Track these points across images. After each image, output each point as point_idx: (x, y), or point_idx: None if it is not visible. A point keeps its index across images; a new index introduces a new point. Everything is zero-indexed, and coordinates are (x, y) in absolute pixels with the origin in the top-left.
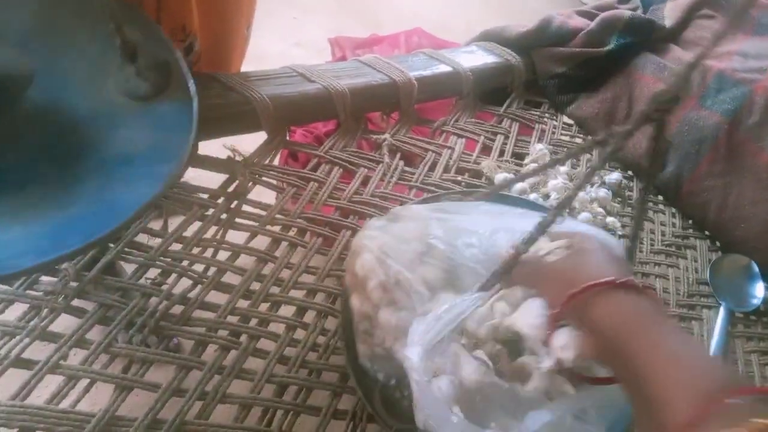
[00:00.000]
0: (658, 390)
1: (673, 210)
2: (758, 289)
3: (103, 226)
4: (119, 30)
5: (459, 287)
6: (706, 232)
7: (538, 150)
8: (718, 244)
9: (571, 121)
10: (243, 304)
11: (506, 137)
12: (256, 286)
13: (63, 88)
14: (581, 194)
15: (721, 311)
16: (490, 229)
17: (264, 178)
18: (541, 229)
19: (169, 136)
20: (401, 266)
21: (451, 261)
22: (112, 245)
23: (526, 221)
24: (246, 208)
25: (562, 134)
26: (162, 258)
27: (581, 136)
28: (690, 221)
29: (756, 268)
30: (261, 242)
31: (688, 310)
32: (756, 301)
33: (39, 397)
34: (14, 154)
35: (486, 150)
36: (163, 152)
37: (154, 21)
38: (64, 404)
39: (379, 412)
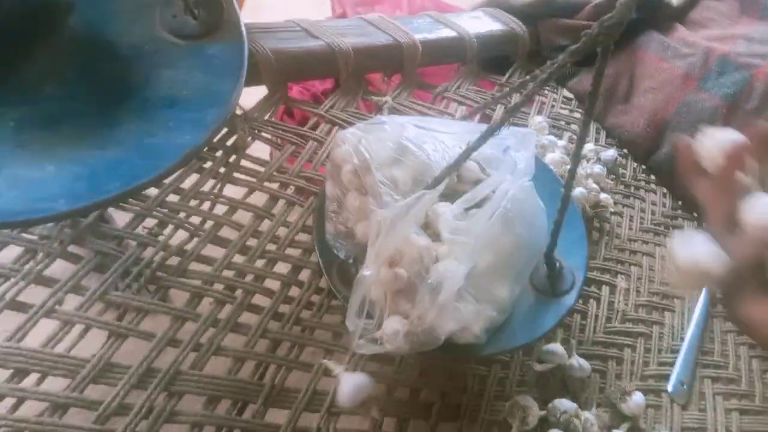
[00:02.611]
0: None
1: (664, 190)
2: None
3: (144, 173)
4: None
5: (422, 185)
6: (695, 214)
7: (537, 122)
8: (705, 226)
9: (571, 96)
10: (239, 259)
11: (505, 108)
12: (252, 242)
13: (106, 20)
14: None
15: (704, 291)
16: (460, 138)
17: (263, 134)
18: (485, 137)
19: (216, 80)
20: (374, 158)
21: (421, 164)
22: None
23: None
24: (244, 163)
25: (561, 108)
26: (159, 209)
27: (580, 110)
28: (680, 202)
29: None
30: (258, 198)
31: (672, 288)
32: None
33: (33, 340)
34: (52, 87)
35: (485, 119)
36: (209, 97)
37: None
38: (59, 348)
39: (334, 282)
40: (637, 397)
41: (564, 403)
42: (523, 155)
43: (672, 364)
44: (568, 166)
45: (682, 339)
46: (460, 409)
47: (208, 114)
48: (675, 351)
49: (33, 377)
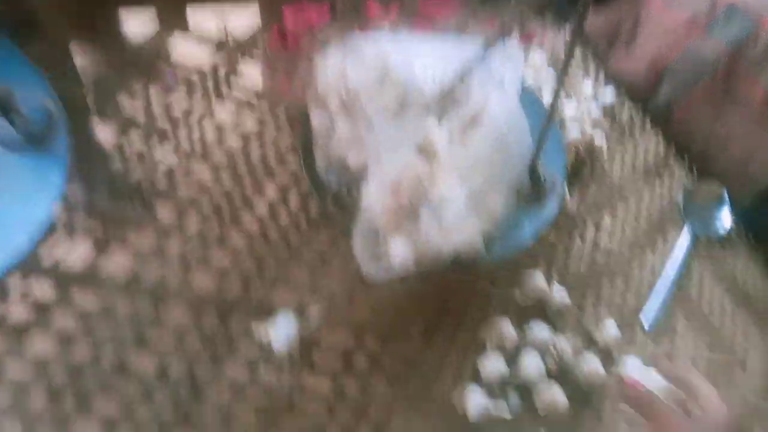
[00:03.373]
0: None
1: (658, 134)
2: (725, 217)
3: None
4: None
5: (409, 109)
6: (686, 159)
7: (536, 57)
8: (695, 171)
9: None
10: (228, 181)
11: (498, 29)
12: (241, 163)
13: None
14: (573, 106)
15: (687, 234)
16: (444, 60)
17: (255, 59)
18: (467, 69)
19: (26, 198)
20: (361, 85)
21: (406, 86)
22: (93, 106)
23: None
24: (235, 84)
25: (562, 48)
26: (146, 123)
27: (582, 49)
28: (673, 147)
29: (727, 198)
30: (249, 121)
31: (657, 230)
32: (721, 228)
33: None
34: None
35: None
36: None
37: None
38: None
39: (331, 211)
40: (610, 326)
41: (541, 330)
42: (509, 72)
43: (649, 300)
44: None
45: (661, 277)
46: (440, 329)
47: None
48: (653, 288)
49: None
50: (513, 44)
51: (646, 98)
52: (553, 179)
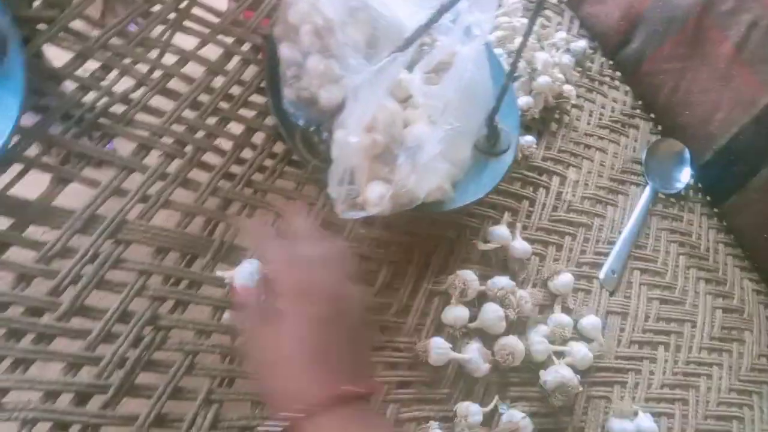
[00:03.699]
0: None
1: (627, 88)
2: (684, 175)
3: None
4: None
5: (380, 48)
6: (652, 115)
7: (511, 3)
8: (660, 128)
9: None
10: (190, 114)
11: None
12: (204, 98)
13: None
14: (545, 56)
15: (647, 190)
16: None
17: None
18: (442, 11)
19: None
20: (335, 19)
21: (377, 22)
22: (45, 26)
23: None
24: (197, 11)
25: None
26: (102, 51)
27: None
28: (640, 101)
29: (687, 155)
30: (211, 52)
31: (618, 185)
32: (680, 185)
33: None
34: None
35: None
36: None
37: None
38: None
39: (300, 150)
40: (565, 277)
41: (502, 280)
42: (480, 18)
43: (607, 255)
44: (537, 53)
45: (620, 232)
46: (404, 277)
47: None
48: (611, 243)
49: None
50: None
51: (617, 48)
52: (508, 131)
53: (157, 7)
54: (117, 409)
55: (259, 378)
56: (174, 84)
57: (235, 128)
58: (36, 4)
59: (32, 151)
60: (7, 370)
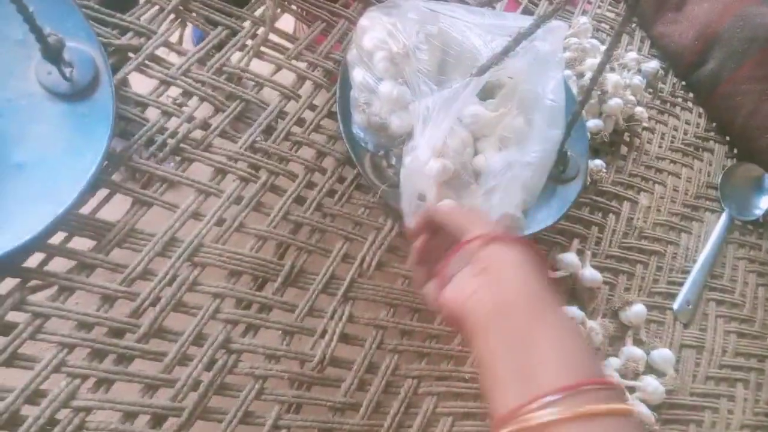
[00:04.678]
0: (487, 382)
1: (701, 110)
2: (763, 201)
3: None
4: (36, 30)
5: (451, 74)
6: (728, 138)
7: (581, 24)
8: (735, 151)
9: None
10: (264, 138)
11: (550, 2)
12: (278, 122)
13: None
14: (615, 77)
15: (723, 216)
16: (485, 27)
17: (293, 7)
18: (519, 40)
19: (81, 143)
20: (409, 47)
21: (450, 47)
22: (132, 55)
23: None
24: (272, 37)
25: (608, 10)
26: (183, 78)
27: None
28: (714, 124)
29: (767, 180)
30: (285, 77)
31: (692, 211)
32: (758, 212)
33: None
34: None
35: (528, 14)
36: (70, 161)
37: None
38: (84, 210)
39: (368, 175)
40: (638, 308)
41: (572, 311)
42: (550, 46)
43: (681, 284)
44: (608, 74)
45: (695, 261)
46: None
47: (64, 183)
48: (686, 272)
49: (60, 235)
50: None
51: (691, 69)
52: (577, 158)
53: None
54: None
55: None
56: (249, 109)
57: (307, 153)
58: (127, 34)
59: (117, 176)
60: (91, 389)
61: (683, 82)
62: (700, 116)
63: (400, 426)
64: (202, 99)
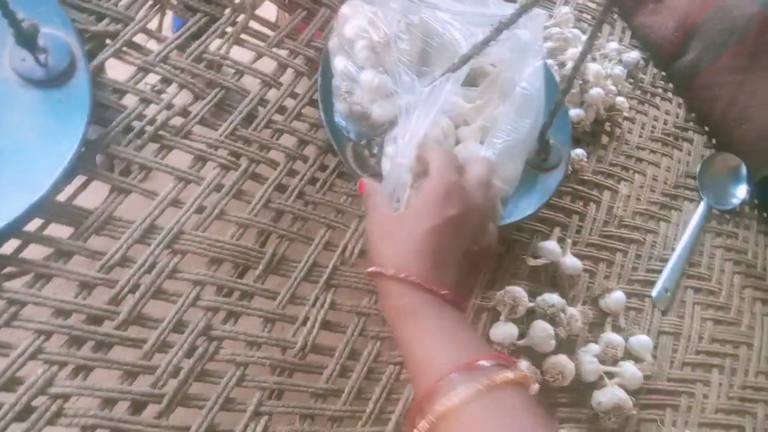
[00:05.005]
0: (413, 367)
1: (680, 101)
2: (740, 191)
3: None
4: (8, 15)
5: (432, 64)
6: (706, 128)
7: (563, 14)
8: (714, 141)
9: None
10: (244, 126)
11: None
12: (258, 110)
13: None
14: (597, 67)
15: (701, 206)
16: (467, 16)
17: None
18: (500, 30)
19: (57, 131)
20: (391, 35)
21: (431, 38)
22: (109, 41)
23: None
24: (253, 24)
25: (589, 0)
26: (162, 65)
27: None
28: (693, 114)
29: (744, 170)
30: (266, 65)
31: (671, 200)
32: (735, 201)
33: None
34: None
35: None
36: (48, 148)
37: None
38: (60, 198)
39: (350, 164)
40: (617, 295)
41: (552, 298)
42: (530, 35)
43: (659, 272)
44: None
45: (673, 249)
46: None
47: (40, 170)
48: (664, 260)
49: (36, 222)
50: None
51: (671, 59)
52: (559, 146)
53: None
54: (170, 419)
55: (369, 243)
56: (229, 96)
57: (288, 140)
58: (104, 20)
59: (94, 163)
60: (69, 376)
61: (663, 73)
62: (679, 107)
63: (381, 412)
64: (182, 86)
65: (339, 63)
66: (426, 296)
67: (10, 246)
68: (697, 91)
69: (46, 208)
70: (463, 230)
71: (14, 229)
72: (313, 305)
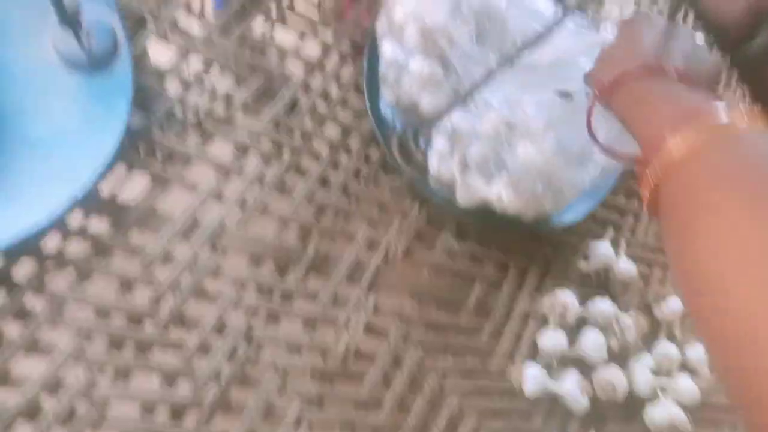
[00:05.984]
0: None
1: (747, 91)
2: None
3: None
4: None
5: (488, 41)
6: None
7: None
8: None
9: None
10: (287, 113)
11: None
12: (302, 96)
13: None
14: None
15: None
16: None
17: None
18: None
19: (101, 115)
20: (441, 20)
21: (482, 15)
22: (151, 22)
23: None
24: (297, 4)
25: None
26: (204, 47)
27: None
28: (759, 105)
29: None
30: (310, 48)
31: None
32: None
33: None
34: None
35: None
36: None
37: None
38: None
39: (395, 157)
40: (673, 303)
41: (604, 305)
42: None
43: None
44: None
45: None
46: (498, 298)
47: (83, 160)
48: None
49: (77, 215)
50: None
51: (738, 46)
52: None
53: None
54: (210, 426)
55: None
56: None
57: (331, 130)
58: None
59: (136, 153)
60: (110, 379)
61: (728, 60)
62: (743, 97)
63: (424, 423)
64: (224, 69)
65: (387, 49)
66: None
67: (52, 240)
68: (767, 78)
69: (88, 200)
70: None
71: (56, 223)
72: (355, 308)
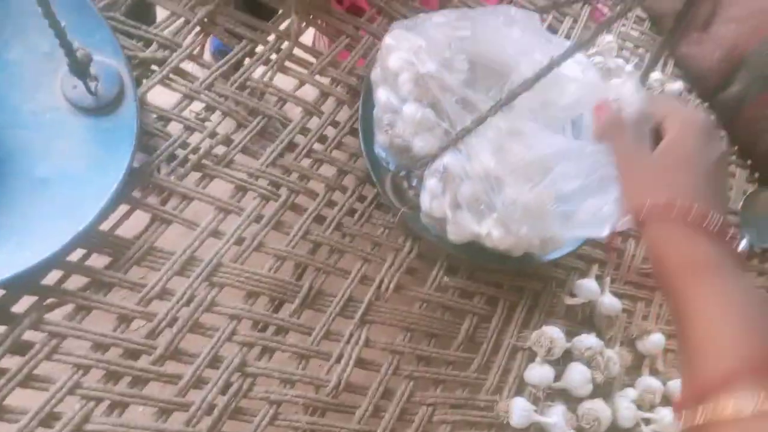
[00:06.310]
0: (696, 341)
1: (723, 133)
2: None
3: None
4: (66, 45)
5: (479, 87)
6: (749, 162)
7: (606, 42)
8: (757, 176)
9: (645, 15)
10: (285, 155)
11: (575, 20)
12: (300, 138)
13: (11, 83)
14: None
15: (743, 243)
16: (515, 38)
17: (318, 21)
18: (551, 66)
19: (103, 159)
20: (434, 68)
21: (474, 62)
22: (156, 68)
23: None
24: (296, 51)
25: (632, 28)
26: (206, 92)
27: (651, 33)
28: (736, 148)
29: None
30: (308, 92)
31: None
32: None
33: None
34: None
35: (552, 31)
36: (95, 177)
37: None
38: (103, 227)
39: (389, 196)
40: (656, 337)
41: (590, 339)
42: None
43: None
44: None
45: None
46: (487, 332)
47: (86, 199)
48: None
49: (79, 252)
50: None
51: (715, 91)
52: None
53: (259, 48)
54: None
55: (625, 181)
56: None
57: (327, 170)
58: (152, 46)
59: (136, 191)
60: (105, 412)
61: (706, 104)
62: (722, 140)
63: None
64: (225, 114)
65: (382, 95)
66: (720, 249)
67: (52, 276)
68: (742, 124)
69: (89, 237)
70: (710, 151)
71: (58, 259)
72: (348, 342)
